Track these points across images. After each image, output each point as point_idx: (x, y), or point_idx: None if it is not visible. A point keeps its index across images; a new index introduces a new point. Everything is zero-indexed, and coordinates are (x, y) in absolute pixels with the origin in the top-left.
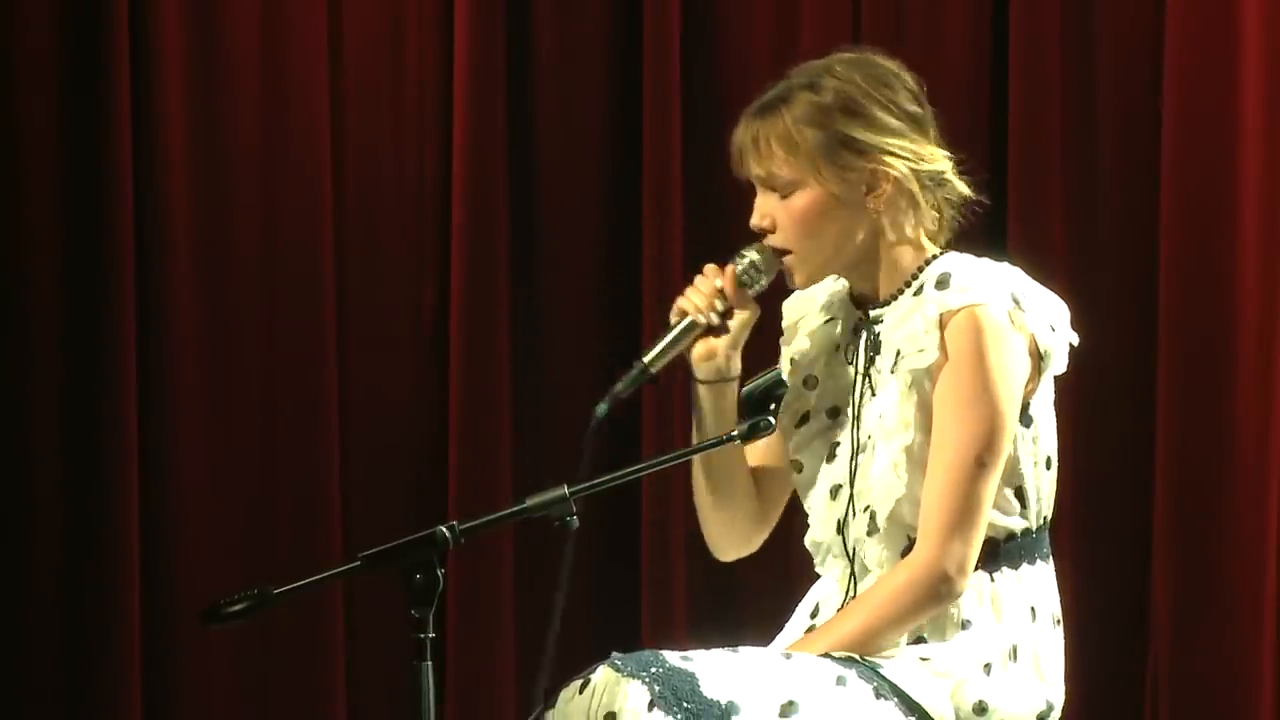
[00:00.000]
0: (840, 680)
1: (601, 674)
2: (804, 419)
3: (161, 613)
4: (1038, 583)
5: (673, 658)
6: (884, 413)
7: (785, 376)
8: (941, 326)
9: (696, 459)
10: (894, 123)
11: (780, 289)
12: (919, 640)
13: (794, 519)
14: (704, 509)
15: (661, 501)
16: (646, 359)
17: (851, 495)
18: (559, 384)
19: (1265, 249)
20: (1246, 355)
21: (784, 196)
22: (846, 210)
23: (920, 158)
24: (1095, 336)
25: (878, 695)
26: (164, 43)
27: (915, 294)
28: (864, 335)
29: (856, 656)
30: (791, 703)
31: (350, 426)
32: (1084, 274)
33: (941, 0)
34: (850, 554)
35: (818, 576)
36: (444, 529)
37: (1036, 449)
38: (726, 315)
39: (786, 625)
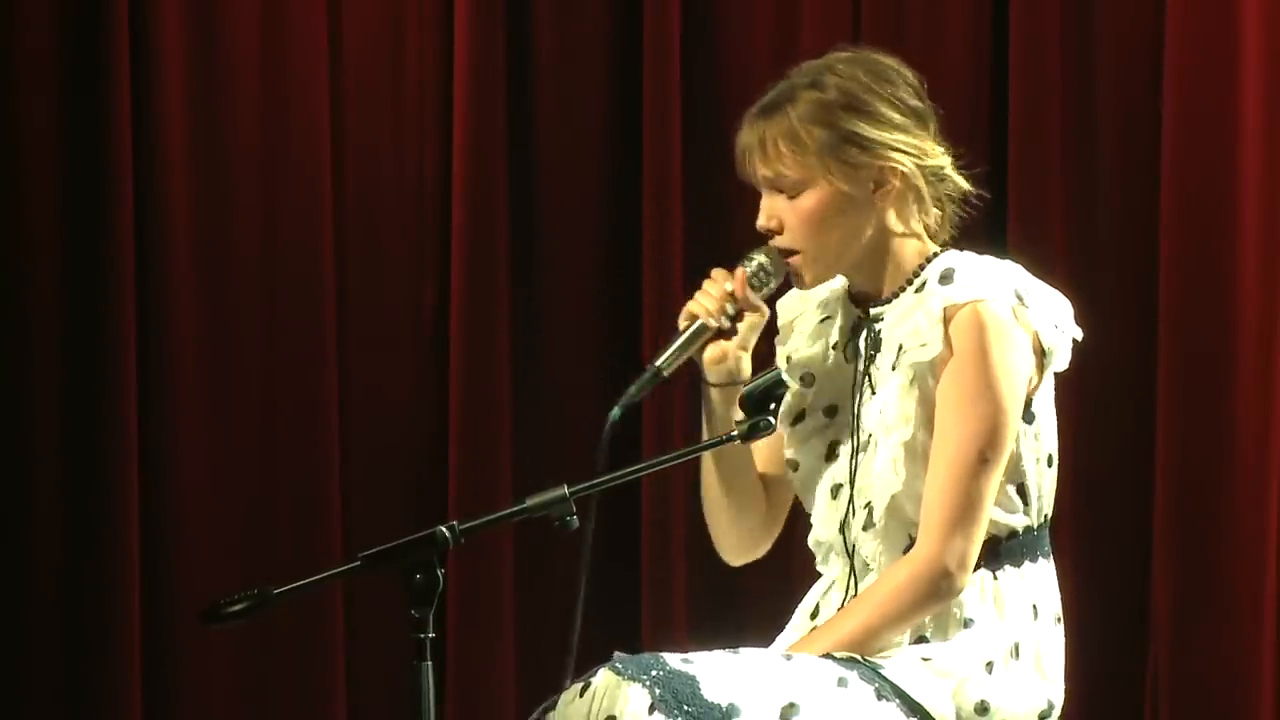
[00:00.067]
0: (842, 681)
1: (602, 677)
2: (800, 417)
3: (161, 613)
4: (1039, 580)
5: (673, 660)
6: (884, 409)
7: (784, 376)
8: (945, 321)
9: (706, 461)
10: (898, 118)
11: (781, 289)
12: (921, 640)
13: (794, 520)
14: (713, 511)
15: (661, 501)
16: (658, 362)
17: (852, 494)
18: (559, 384)
19: (1265, 249)
20: (1246, 355)
21: (791, 197)
22: (855, 207)
23: (924, 153)
24: (1096, 336)
25: (879, 696)
26: (164, 43)
27: (917, 290)
28: (864, 333)
29: (858, 657)
30: (793, 705)
31: (350, 426)
32: (1084, 274)
33: (941, 0)
34: (850, 552)
35: (818, 576)
36: (444, 529)
37: (1038, 446)
38: (736, 318)
39: (787, 626)
